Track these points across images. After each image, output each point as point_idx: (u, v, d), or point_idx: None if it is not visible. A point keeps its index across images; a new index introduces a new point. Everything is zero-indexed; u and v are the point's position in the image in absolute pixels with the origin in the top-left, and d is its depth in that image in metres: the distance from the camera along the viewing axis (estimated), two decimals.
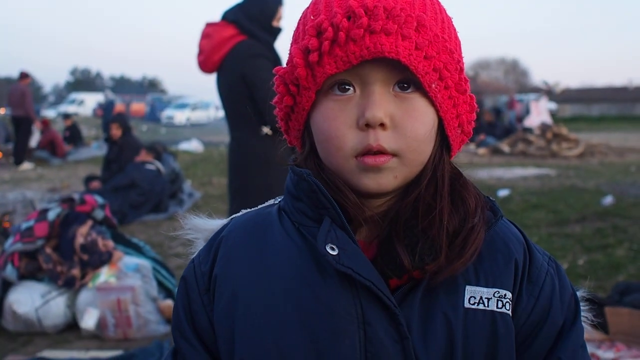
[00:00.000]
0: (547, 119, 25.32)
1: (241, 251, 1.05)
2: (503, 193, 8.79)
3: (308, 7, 1.03)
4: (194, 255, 1.12)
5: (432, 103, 0.97)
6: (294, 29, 1.06)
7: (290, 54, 1.02)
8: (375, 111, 0.93)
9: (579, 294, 1.08)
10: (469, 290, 0.98)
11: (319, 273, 0.98)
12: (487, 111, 21.27)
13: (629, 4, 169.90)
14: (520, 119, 25.92)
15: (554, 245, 5.86)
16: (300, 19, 1.05)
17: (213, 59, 3.84)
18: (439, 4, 1.02)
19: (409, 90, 0.97)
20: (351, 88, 0.97)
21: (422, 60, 0.94)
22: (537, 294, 1.01)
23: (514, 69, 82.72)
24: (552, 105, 31.79)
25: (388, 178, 0.96)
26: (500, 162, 14.72)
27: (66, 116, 19.22)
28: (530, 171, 12.20)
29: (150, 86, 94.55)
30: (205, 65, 3.89)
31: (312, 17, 0.98)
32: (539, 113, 26.73)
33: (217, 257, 1.07)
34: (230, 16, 3.85)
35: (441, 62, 0.96)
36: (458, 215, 0.99)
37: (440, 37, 0.96)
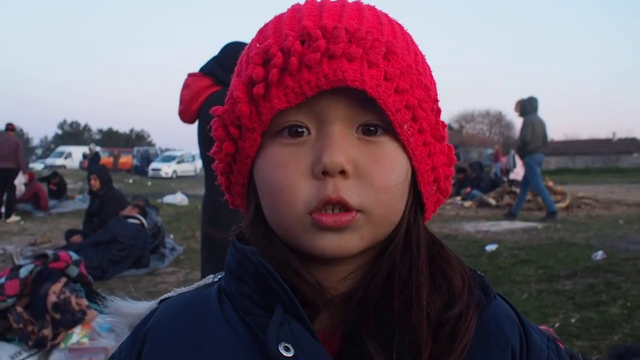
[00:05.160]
0: None
1: (172, 348, 0.82)
2: (490, 247, 8.65)
3: (254, 37, 0.86)
4: (115, 350, 0.90)
5: (405, 149, 0.80)
6: (237, 63, 0.87)
7: (230, 88, 0.83)
8: (334, 155, 0.75)
9: None
10: None
11: None
12: (469, 167, 21.30)
13: (611, 59, 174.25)
14: (506, 171, 26.01)
15: (544, 302, 5.68)
16: (244, 52, 0.87)
17: (191, 108, 3.83)
18: (409, 35, 0.86)
19: (377, 134, 0.79)
20: (305, 130, 0.79)
21: (392, 93, 0.77)
22: None
23: (498, 121, 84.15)
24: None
25: (353, 239, 0.78)
26: (487, 215, 14.61)
27: (53, 175, 18.79)
28: (518, 224, 12.10)
29: (137, 139, 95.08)
30: (184, 115, 3.88)
31: (257, 45, 0.81)
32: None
33: (142, 354, 0.84)
34: (205, 69, 3.87)
35: (415, 98, 0.79)
36: (441, 296, 0.80)
37: (414, 69, 0.80)
